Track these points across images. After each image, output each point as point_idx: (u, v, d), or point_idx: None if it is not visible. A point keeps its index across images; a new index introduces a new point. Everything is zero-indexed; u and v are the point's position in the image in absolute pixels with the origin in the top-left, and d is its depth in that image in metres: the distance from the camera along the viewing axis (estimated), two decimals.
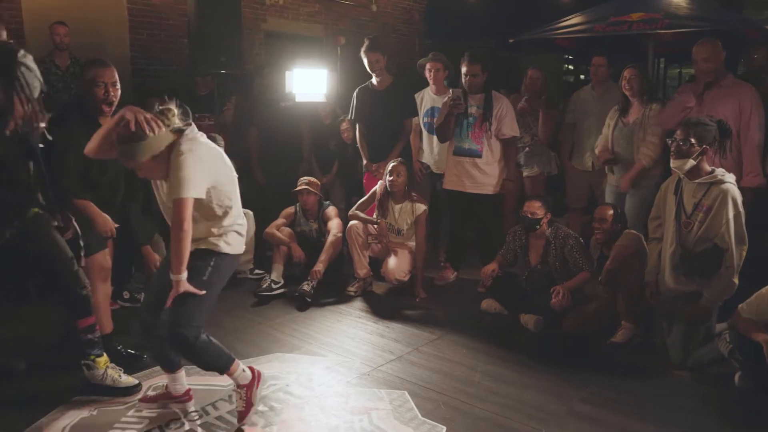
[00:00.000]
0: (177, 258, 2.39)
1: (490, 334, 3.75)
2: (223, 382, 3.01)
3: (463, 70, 4.40)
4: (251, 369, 2.70)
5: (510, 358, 3.40)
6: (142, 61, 6.24)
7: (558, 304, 3.70)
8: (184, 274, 2.41)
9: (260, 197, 5.28)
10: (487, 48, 6.08)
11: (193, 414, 2.75)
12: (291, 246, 4.60)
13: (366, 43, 4.60)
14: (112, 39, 6.02)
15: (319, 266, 4.37)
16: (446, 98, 4.43)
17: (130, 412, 2.75)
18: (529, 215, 3.93)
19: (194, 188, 2.37)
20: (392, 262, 4.42)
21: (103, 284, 3.14)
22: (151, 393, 2.88)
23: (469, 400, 2.92)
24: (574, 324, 3.71)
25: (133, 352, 3.27)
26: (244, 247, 2.70)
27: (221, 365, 2.60)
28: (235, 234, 2.62)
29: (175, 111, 2.45)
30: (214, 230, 2.54)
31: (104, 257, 3.14)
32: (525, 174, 5.17)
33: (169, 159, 2.40)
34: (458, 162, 4.51)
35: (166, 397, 2.81)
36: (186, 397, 2.81)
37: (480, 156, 4.44)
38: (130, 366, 3.12)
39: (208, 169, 2.44)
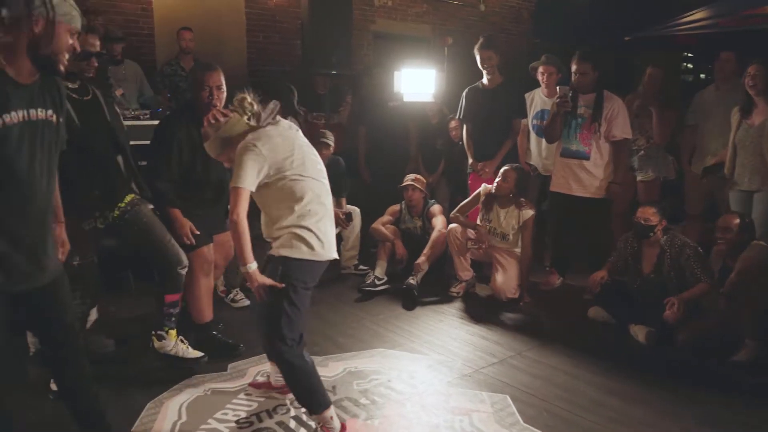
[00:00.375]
0: (237, 249, 2.36)
1: (597, 343, 3.62)
2: (329, 373, 3.13)
3: (573, 68, 4.28)
4: (342, 425, 2.52)
5: (617, 370, 3.26)
6: (257, 63, 6.55)
7: (672, 316, 3.50)
8: (252, 265, 2.33)
9: (366, 196, 5.41)
10: (600, 46, 5.87)
11: None
12: (395, 243, 4.67)
13: (480, 40, 4.59)
14: (231, 42, 6.36)
15: (422, 259, 4.41)
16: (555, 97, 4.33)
17: (241, 395, 2.90)
18: (642, 222, 3.75)
19: (246, 180, 2.30)
20: (500, 278, 4.26)
21: (205, 278, 3.30)
22: (259, 378, 3.04)
23: (573, 410, 2.83)
24: (689, 338, 3.49)
25: (230, 341, 3.41)
26: (315, 252, 2.40)
27: (314, 403, 2.46)
28: (295, 237, 2.38)
29: (250, 99, 2.42)
30: (275, 232, 2.43)
31: (209, 251, 3.28)
32: (639, 178, 4.93)
33: None
34: (565, 164, 4.38)
35: (267, 387, 2.93)
36: (286, 389, 2.80)
37: (588, 158, 4.29)
38: (225, 353, 3.31)
39: (263, 164, 2.33)
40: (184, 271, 3.02)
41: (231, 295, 4.16)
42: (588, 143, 4.28)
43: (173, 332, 3.13)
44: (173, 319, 3.11)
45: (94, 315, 3.51)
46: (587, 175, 4.30)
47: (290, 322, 2.37)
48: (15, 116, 1.83)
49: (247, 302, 3.91)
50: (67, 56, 1.92)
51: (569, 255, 4.68)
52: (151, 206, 3.03)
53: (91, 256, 2.86)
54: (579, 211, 4.38)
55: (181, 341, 3.15)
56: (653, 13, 6.36)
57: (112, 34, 4.98)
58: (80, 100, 2.73)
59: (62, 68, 1.92)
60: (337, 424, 2.48)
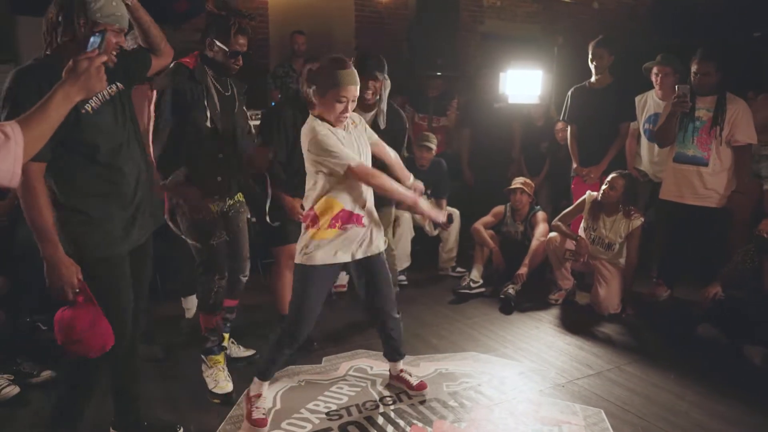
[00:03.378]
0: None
1: (706, 362, 3.39)
2: (420, 373, 3.16)
3: (694, 68, 3.98)
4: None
5: (726, 392, 3.04)
6: None
7: None
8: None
9: (468, 197, 5.38)
10: (727, 43, 5.46)
11: (388, 399, 2.91)
12: (493, 251, 4.62)
13: (599, 37, 4.46)
14: (341, 45, 6.55)
15: (523, 270, 4.34)
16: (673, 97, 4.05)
17: (333, 388, 3.00)
18: (765, 235, 3.47)
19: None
20: (602, 292, 4.08)
21: (290, 272, 3.36)
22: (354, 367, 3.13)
23: (673, 430, 2.68)
24: None
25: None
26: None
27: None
28: None
29: None
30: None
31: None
32: (766, 187, 4.52)
33: None
34: (679, 170, 4.09)
35: (406, 385, 3.00)
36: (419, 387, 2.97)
37: (706, 164, 3.98)
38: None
39: None
40: (244, 279, 3.16)
41: None
42: (707, 148, 3.98)
43: (226, 335, 3.25)
44: (228, 324, 3.23)
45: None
46: (703, 183, 4.01)
47: None
48: (95, 100, 2.07)
49: None
50: (114, 53, 2.09)
51: (679, 267, 4.39)
52: (249, 216, 3.17)
53: (222, 234, 2.96)
54: (692, 220, 4.09)
55: (233, 343, 3.31)
56: None
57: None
58: (222, 94, 2.87)
59: (111, 65, 2.06)
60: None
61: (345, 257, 2.58)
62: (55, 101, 1.55)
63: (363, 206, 2.58)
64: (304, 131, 2.47)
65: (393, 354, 2.98)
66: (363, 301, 2.82)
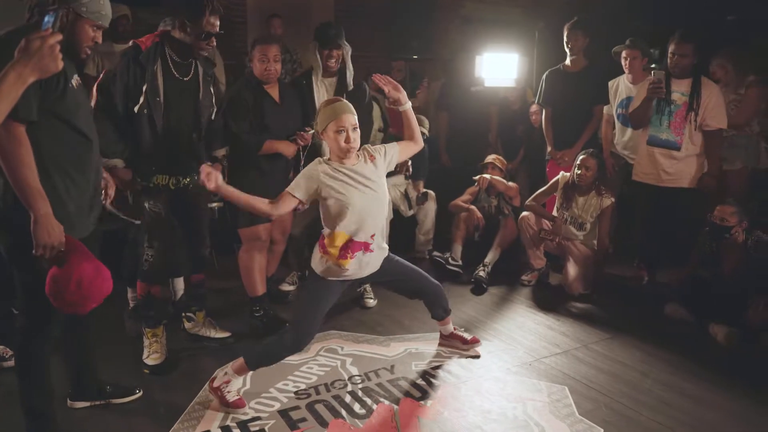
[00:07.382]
0: None
1: (672, 341, 3.44)
2: (390, 353, 3.21)
3: (671, 48, 3.93)
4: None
5: (691, 370, 3.10)
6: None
7: (757, 318, 3.28)
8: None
9: (444, 180, 5.39)
10: (705, 28, 5.45)
11: (356, 378, 2.95)
12: (470, 209, 4.63)
13: (574, 19, 4.46)
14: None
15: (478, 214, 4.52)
16: (646, 81, 4.06)
17: (303, 368, 3.03)
18: (718, 222, 3.52)
19: None
20: (572, 272, 4.13)
21: (258, 254, 3.42)
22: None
23: (636, 407, 2.74)
24: None
25: (281, 316, 3.52)
26: None
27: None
28: None
29: None
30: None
31: (264, 229, 3.39)
32: (724, 168, 4.50)
33: None
34: (652, 153, 4.08)
35: (459, 339, 3.30)
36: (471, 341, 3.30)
37: (678, 149, 3.96)
38: (274, 328, 3.42)
39: None
40: (207, 252, 3.21)
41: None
42: (680, 132, 3.96)
43: (200, 314, 3.34)
44: (201, 300, 3.31)
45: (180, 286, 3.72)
46: (674, 165, 3.99)
47: None
48: (76, 79, 2.15)
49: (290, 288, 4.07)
50: (88, 49, 2.19)
51: (657, 249, 4.34)
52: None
53: (159, 207, 2.91)
54: (666, 202, 4.08)
55: (209, 323, 3.35)
56: None
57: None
58: (180, 79, 2.82)
59: (83, 56, 2.20)
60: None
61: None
62: (8, 82, 1.52)
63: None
64: None
65: (441, 312, 3.18)
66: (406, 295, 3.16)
